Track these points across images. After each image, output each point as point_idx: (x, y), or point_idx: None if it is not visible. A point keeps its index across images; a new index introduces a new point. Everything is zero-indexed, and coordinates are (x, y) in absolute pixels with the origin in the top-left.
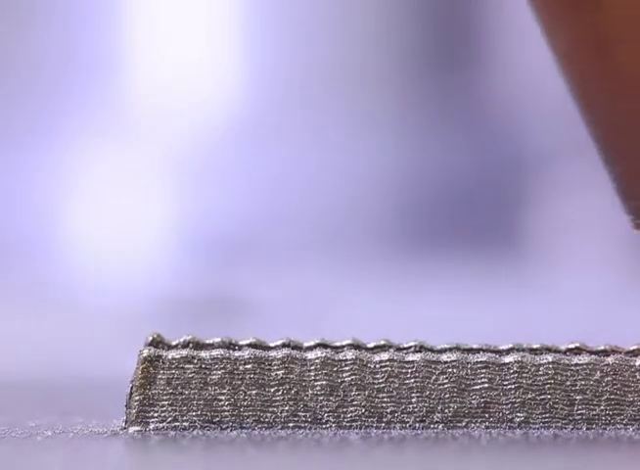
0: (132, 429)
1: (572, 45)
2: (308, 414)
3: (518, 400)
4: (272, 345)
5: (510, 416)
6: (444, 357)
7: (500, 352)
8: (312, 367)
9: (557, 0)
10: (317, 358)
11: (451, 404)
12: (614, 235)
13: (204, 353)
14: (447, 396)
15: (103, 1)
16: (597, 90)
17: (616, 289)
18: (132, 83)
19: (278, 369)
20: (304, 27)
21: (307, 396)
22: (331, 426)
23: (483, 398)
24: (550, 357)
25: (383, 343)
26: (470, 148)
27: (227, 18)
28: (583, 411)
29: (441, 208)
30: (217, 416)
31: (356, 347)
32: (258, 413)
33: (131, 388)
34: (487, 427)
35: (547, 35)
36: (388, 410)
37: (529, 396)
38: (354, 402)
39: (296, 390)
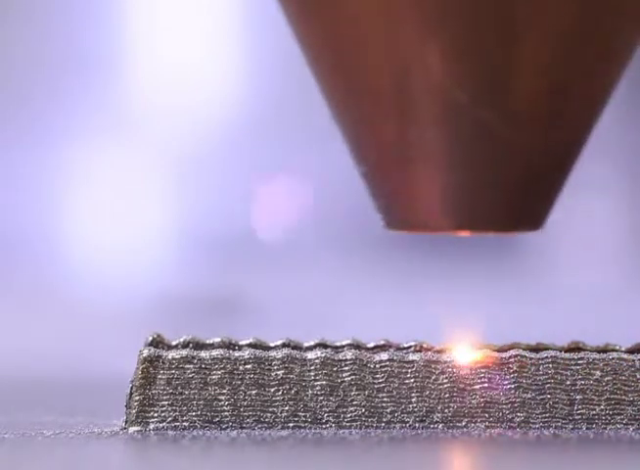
0: (132, 429)
1: (314, 40)
2: (308, 414)
3: (517, 400)
4: (272, 345)
5: (510, 416)
6: (444, 357)
7: (499, 352)
8: (312, 367)
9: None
10: (317, 358)
11: (451, 404)
12: (613, 235)
13: (204, 354)
14: (447, 395)
15: (103, 1)
16: (339, 87)
17: (615, 289)
18: (132, 83)
19: (278, 369)
20: None
21: (307, 396)
22: (331, 426)
23: (483, 397)
24: (550, 357)
25: (383, 343)
26: None
27: (227, 18)
28: (583, 411)
29: None
30: (217, 416)
31: (356, 347)
32: (258, 413)
33: (131, 388)
34: (487, 427)
35: (294, 30)
36: (388, 410)
37: (529, 395)
38: (354, 402)
39: (296, 390)
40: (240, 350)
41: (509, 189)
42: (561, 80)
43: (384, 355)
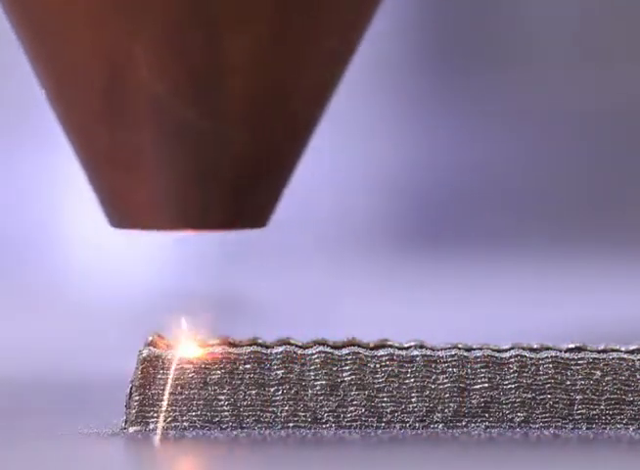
0: (132, 429)
1: (27, 35)
2: (308, 414)
3: (518, 400)
4: (272, 344)
5: (510, 416)
6: (444, 357)
7: (500, 352)
8: (312, 367)
9: None
10: (317, 358)
11: (451, 404)
12: (613, 235)
13: (204, 354)
14: (447, 395)
15: None
16: (54, 88)
17: (615, 289)
18: None
19: (278, 369)
20: None
21: (307, 395)
22: (331, 426)
23: (483, 397)
24: (550, 357)
25: (383, 342)
26: (472, 148)
27: None
28: (583, 411)
29: (443, 207)
30: (217, 416)
31: (356, 346)
32: (258, 413)
33: (131, 388)
34: (487, 427)
35: (10, 23)
36: (388, 410)
37: (529, 395)
38: (354, 402)
39: (295, 389)
40: (239, 349)
41: (218, 187)
42: (262, 80)
43: (384, 355)
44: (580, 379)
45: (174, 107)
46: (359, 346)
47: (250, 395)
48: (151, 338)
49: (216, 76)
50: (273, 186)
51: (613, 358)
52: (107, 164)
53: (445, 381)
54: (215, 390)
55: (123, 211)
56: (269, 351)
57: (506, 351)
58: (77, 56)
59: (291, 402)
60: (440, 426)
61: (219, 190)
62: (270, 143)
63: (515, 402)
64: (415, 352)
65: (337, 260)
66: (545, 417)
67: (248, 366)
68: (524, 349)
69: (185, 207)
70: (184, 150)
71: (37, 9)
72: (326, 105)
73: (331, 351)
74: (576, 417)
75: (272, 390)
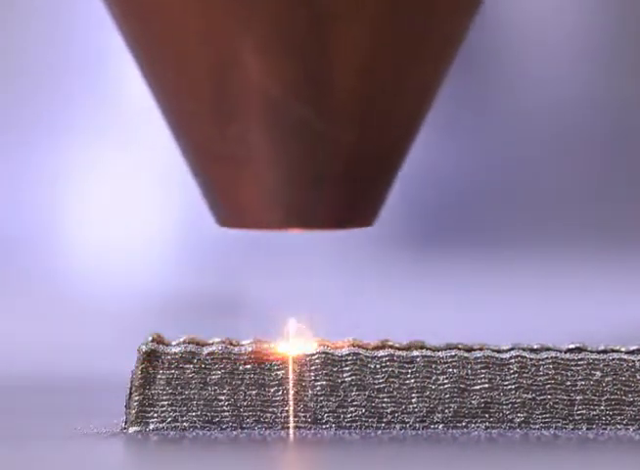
0: (132, 429)
1: (136, 37)
2: (308, 414)
3: (518, 401)
4: (272, 344)
5: (510, 416)
6: (444, 358)
7: (500, 352)
8: (312, 367)
9: None
10: (317, 358)
11: (451, 404)
12: (613, 235)
13: (203, 353)
14: (447, 396)
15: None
16: (162, 85)
17: (615, 289)
18: (133, 82)
19: (278, 369)
20: None
21: (307, 396)
22: (331, 426)
23: (484, 398)
24: (550, 358)
25: (383, 343)
26: (474, 148)
27: None
28: (583, 411)
29: (443, 207)
30: (217, 416)
31: (356, 347)
32: (258, 413)
33: (131, 388)
34: (487, 427)
35: (116, 25)
36: (389, 410)
37: (530, 396)
38: (354, 402)
39: (296, 390)
40: (240, 349)
41: (331, 186)
42: (376, 79)
43: (384, 356)
44: (580, 380)
45: (286, 105)
46: (359, 346)
47: (250, 395)
48: (151, 338)
49: (329, 74)
50: (381, 185)
51: (613, 359)
52: (217, 162)
53: (445, 381)
54: (215, 390)
55: (231, 210)
56: (269, 351)
57: (506, 351)
58: (188, 55)
59: (291, 403)
60: (440, 426)
61: (329, 189)
62: (380, 142)
63: (515, 403)
64: (415, 353)
65: (337, 261)
66: (545, 418)
67: (248, 366)
68: (524, 349)
69: (294, 206)
70: (296, 148)
71: (147, 9)
72: (434, 101)
73: (331, 351)
74: (577, 418)
75: (272, 390)
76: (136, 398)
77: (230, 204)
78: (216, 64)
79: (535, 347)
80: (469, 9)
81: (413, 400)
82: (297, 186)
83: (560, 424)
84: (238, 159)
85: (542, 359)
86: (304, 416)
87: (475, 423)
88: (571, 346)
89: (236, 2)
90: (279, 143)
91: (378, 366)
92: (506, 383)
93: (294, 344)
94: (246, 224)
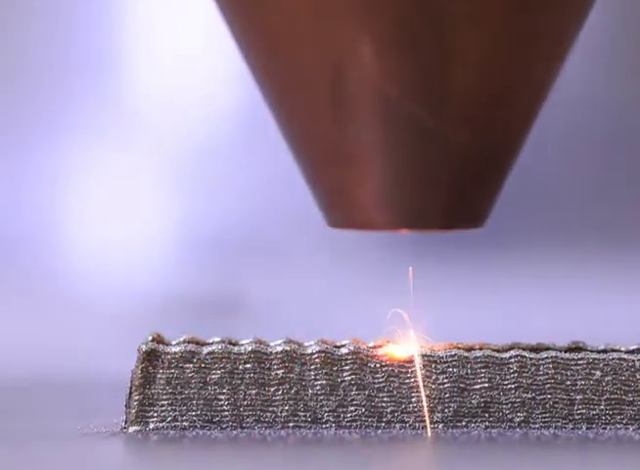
0: (132, 429)
1: (248, 36)
2: (308, 414)
3: (518, 400)
4: (272, 344)
5: (510, 416)
6: (444, 357)
7: (500, 352)
8: (312, 367)
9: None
10: (317, 358)
11: (451, 404)
12: (612, 235)
13: (203, 353)
14: (447, 395)
15: (104, 1)
16: (275, 85)
17: (615, 289)
18: (132, 83)
19: (278, 368)
20: None
21: (307, 395)
22: (331, 426)
23: (483, 397)
24: (550, 357)
25: (383, 343)
26: None
27: None
28: (583, 411)
29: None
30: (217, 416)
31: (356, 346)
32: (258, 413)
33: (131, 387)
34: (487, 427)
35: (228, 25)
36: (388, 410)
37: (529, 395)
38: (354, 402)
39: (296, 389)
40: (239, 349)
41: (445, 187)
42: (491, 80)
43: (384, 355)
44: (580, 379)
45: (400, 105)
46: (359, 346)
47: (250, 394)
48: (151, 337)
49: (446, 75)
50: (492, 186)
51: (613, 359)
52: (332, 162)
53: (445, 381)
54: (215, 390)
55: (343, 210)
56: (269, 351)
57: (506, 351)
58: (306, 56)
59: (291, 402)
60: (440, 426)
61: (441, 190)
62: (493, 142)
63: (515, 403)
64: (415, 353)
65: (337, 261)
66: (545, 417)
67: (248, 366)
68: (523, 349)
69: (406, 207)
70: (409, 149)
71: (265, 9)
72: (545, 101)
73: (331, 350)
74: (576, 417)
75: (272, 389)
76: (136, 397)
77: (342, 204)
78: (334, 64)
79: (535, 346)
80: (580, 9)
81: (413, 400)
82: (409, 187)
83: (560, 423)
84: (353, 159)
85: (542, 359)
86: (304, 416)
87: (475, 423)
88: (571, 345)
89: (356, 4)
90: (393, 143)
91: (378, 366)
92: (506, 382)
93: (405, 344)
94: (357, 225)
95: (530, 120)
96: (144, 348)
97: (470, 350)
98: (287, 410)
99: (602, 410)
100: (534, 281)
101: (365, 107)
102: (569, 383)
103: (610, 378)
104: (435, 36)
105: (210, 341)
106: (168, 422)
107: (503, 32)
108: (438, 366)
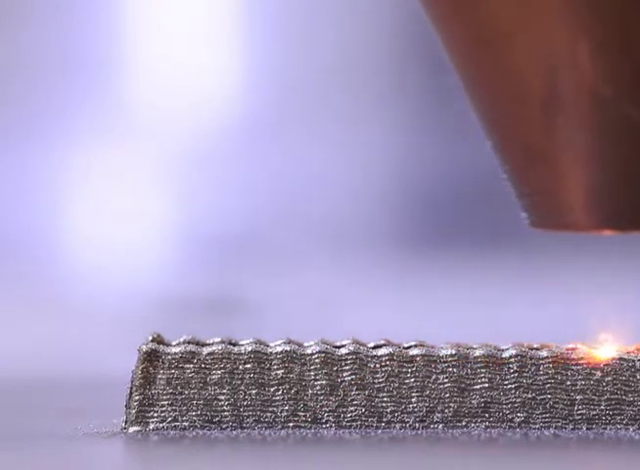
0: (132, 429)
1: (458, 41)
2: (308, 414)
3: (518, 400)
4: (272, 344)
5: (510, 416)
6: (444, 357)
7: (500, 352)
8: (312, 367)
9: None
10: (317, 358)
11: (451, 404)
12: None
13: (203, 353)
14: (447, 395)
15: (103, 1)
16: (484, 88)
17: (615, 289)
18: (132, 83)
19: (278, 369)
20: (305, 26)
21: (307, 395)
22: (331, 426)
23: (483, 397)
24: (550, 357)
25: (383, 343)
26: (475, 147)
27: (227, 17)
28: (583, 411)
29: (444, 207)
30: (217, 416)
31: (356, 346)
32: (258, 413)
33: (131, 388)
34: (487, 427)
35: (437, 32)
36: (388, 410)
37: (530, 395)
38: (354, 402)
39: (295, 389)
40: (239, 349)
41: None
42: None
43: (384, 355)
44: (581, 379)
45: (616, 106)
46: (359, 346)
47: (250, 394)
48: (151, 338)
49: None
50: None
51: (613, 358)
52: (542, 163)
53: (445, 381)
54: (215, 390)
55: (550, 212)
56: (269, 351)
57: (506, 350)
58: (519, 58)
59: (291, 402)
60: (440, 426)
61: None
62: None
63: (515, 403)
64: (415, 352)
65: (337, 261)
66: (545, 417)
67: (248, 366)
68: (524, 349)
69: (613, 208)
70: (621, 150)
71: (474, 14)
72: None
73: (331, 351)
74: (577, 417)
75: (272, 390)
76: (136, 397)
77: (550, 205)
78: (549, 66)
79: (535, 346)
80: None
81: (413, 400)
82: (616, 188)
83: (560, 424)
84: (562, 160)
85: (542, 359)
86: (304, 416)
87: (475, 423)
88: (571, 345)
89: (575, 5)
90: (605, 144)
91: (378, 366)
92: (506, 382)
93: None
94: (561, 226)
95: None
96: (144, 348)
97: None
98: (287, 410)
99: (602, 411)
100: (534, 281)
101: (579, 108)
102: (569, 383)
103: (610, 378)
104: None
105: (211, 341)
106: (168, 422)
107: None
108: (438, 366)
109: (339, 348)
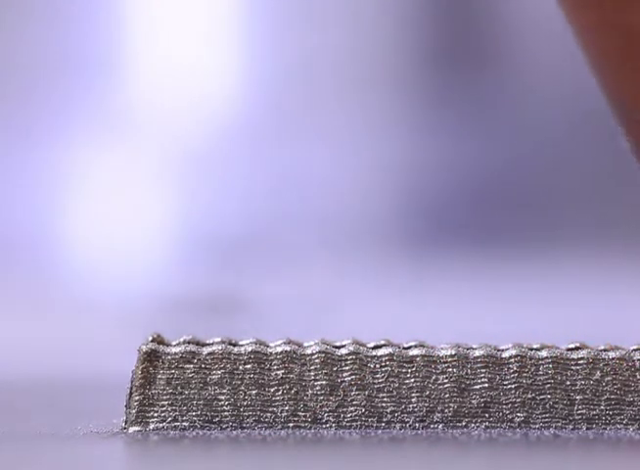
0: (132, 429)
1: (602, 45)
2: (308, 414)
3: (518, 400)
4: (272, 345)
5: (510, 416)
6: (444, 357)
7: (500, 352)
8: (312, 367)
9: (583, 2)
10: (317, 358)
11: (451, 404)
12: (613, 235)
13: (203, 353)
14: (447, 395)
15: (103, 1)
16: (628, 93)
17: (616, 289)
18: (132, 83)
19: (278, 369)
20: (304, 26)
21: (307, 395)
22: (331, 426)
23: (483, 397)
24: (550, 357)
25: (383, 343)
26: (475, 147)
27: (227, 16)
28: (583, 411)
29: (444, 207)
30: (217, 416)
31: (356, 346)
32: (258, 413)
33: (131, 388)
34: (487, 427)
35: (577, 35)
36: (388, 410)
37: (529, 395)
38: (354, 402)
39: (295, 390)
40: (239, 349)
41: None
42: None
43: (384, 355)
44: (580, 379)
45: None
46: (359, 346)
47: (250, 395)
48: (151, 338)
49: None
50: None
51: (612, 358)
52: None
53: (445, 381)
54: (215, 390)
55: None
56: (269, 351)
57: (506, 350)
58: None
59: (291, 403)
60: (440, 426)
61: None
62: None
63: (515, 403)
64: (415, 352)
65: (337, 261)
66: (545, 417)
67: (248, 366)
68: (524, 349)
69: None
70: None
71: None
72: None
73: (331, 351)
74: (576, 417)
75: (272, 390)
76: (136, 397)
77: None
78: None
79: (535, 346)
80: None
81: (413, 400)
82: None
83: (560, 424)
84: None
85: (542, 359)
86: (304, 416)
87: (475, 423)
88: (572, 345)
89: None
90: None
91: (378, 366)
92: (506, 382)
93: None
94: None
95: None
96: (144, 348)
97: None
98: (287, 411)
99: (602, 411)
100: (534, 281)
101: None
102: (569, 383)
103: (610, 378)
104: None
105: (211, 341)
106: (168, 422)
107: None
108: (438, 366)
109: (339, 348)
